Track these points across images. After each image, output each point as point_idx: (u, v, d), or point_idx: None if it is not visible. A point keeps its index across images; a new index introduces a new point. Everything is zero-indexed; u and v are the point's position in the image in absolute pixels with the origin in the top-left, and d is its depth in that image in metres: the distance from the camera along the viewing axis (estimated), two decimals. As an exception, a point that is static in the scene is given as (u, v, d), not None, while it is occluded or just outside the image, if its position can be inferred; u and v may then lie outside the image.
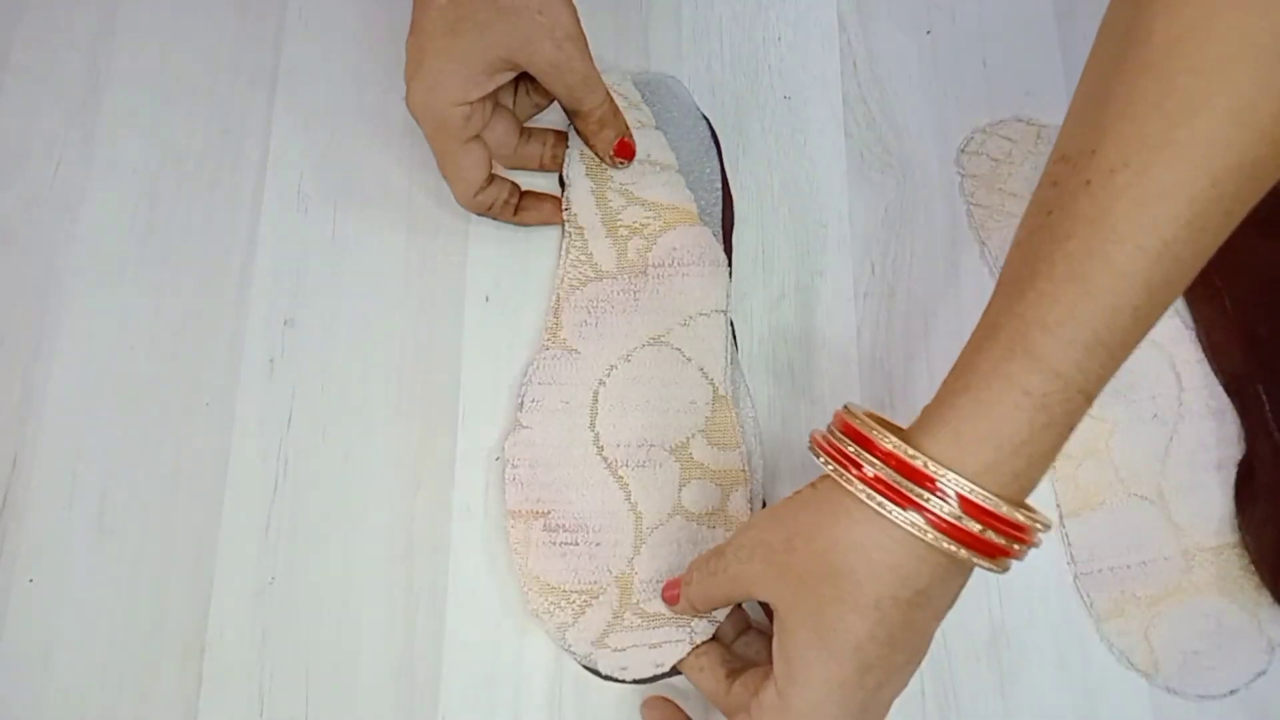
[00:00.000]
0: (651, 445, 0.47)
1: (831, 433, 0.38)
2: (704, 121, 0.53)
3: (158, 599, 0.46)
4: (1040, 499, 0.47)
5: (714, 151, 0.52)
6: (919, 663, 0.38)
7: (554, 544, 0.46)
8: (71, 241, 0.51)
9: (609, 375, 0.48)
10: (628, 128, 0.51)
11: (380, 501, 0.48)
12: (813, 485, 0.38)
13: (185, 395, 0.49)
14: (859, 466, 0.36)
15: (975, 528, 0.34)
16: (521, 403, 0.48)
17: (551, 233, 0.52)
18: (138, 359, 0.49)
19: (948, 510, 0.34)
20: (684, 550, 0.46)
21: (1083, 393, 0.34)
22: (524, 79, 0.50)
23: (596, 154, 0.51)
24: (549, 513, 0.47)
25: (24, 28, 0.55)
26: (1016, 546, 0.35)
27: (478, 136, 0.48)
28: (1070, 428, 0.35)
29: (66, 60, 0.54)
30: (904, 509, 0.35)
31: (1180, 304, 0.51)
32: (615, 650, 0.44)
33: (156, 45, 0.55)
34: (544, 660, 0.46)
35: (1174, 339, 0.51)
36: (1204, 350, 0.51)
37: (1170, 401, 0.50)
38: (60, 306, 0.50)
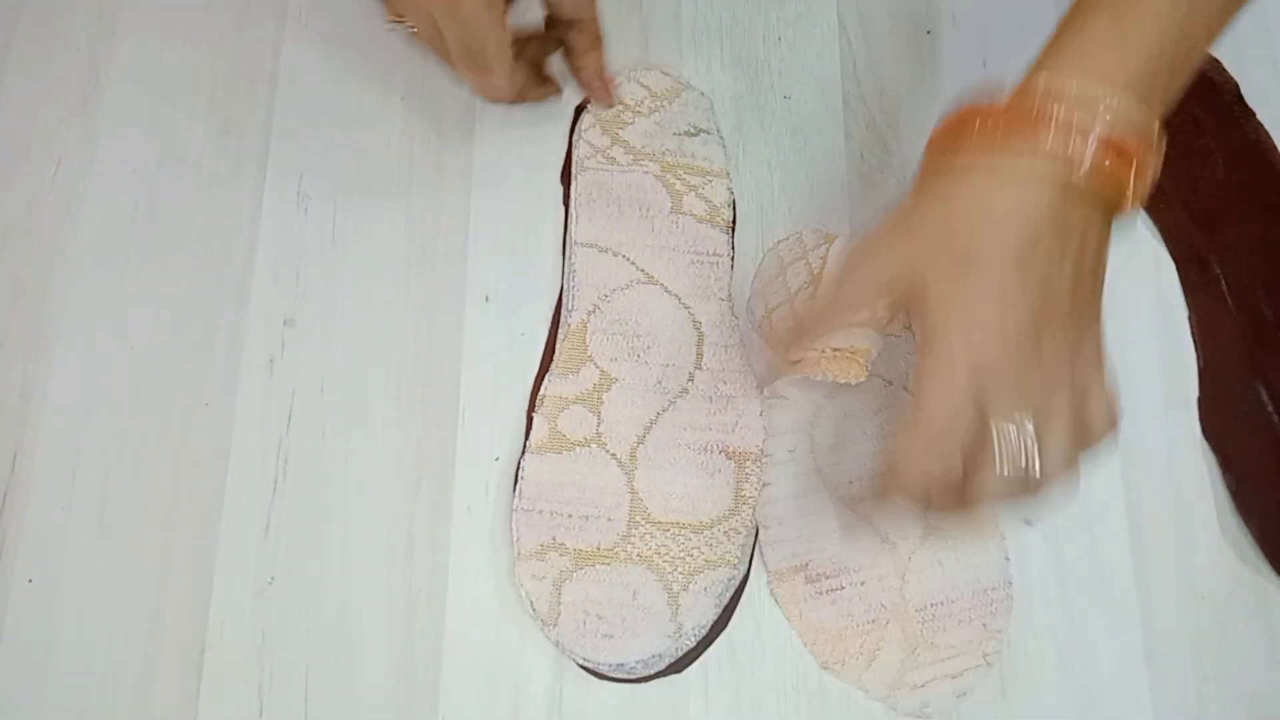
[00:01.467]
0: (879, 475, 0.47)
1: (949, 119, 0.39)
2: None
3: (157, 599, 0.46)
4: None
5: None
6: (1081, 321, 0.38)
7: (820, 593, 0.46)
8: (71, 241, 0.51)
9: (818, 415, 0.49)
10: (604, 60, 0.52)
11: (380, 501, 0.48)
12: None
13: (185, 395, 0.49)
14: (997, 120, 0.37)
15: (1111, 161, 0.36)
16: (762, 461, 0.48)
17: (552, 233, 0.52)
18: (137, 359, 0.49)
19: (1091, 144, 0.36)
20: (948, 568, 0.46)
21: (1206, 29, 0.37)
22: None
23: (580, 82, 0.52)
24: (807, 565, 0.47)
25: (24, 27, 0.55)
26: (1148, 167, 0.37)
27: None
28: (1199, 55, 0.38)
29: (66, 59, 0.54)
30: (1039, 156, 0.36)
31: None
32: (915, 687, 0.45)
33: (156, 45, 0.55)
34: (544, 660, 0.46)
35: (714, 320, 0.49)
36: (1192, 335, 0.51)
37: (680, 375, 0.48)
38: (60, 306, 0.50)
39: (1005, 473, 0.36)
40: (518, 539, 0.46)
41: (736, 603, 0.46)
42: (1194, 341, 0.51)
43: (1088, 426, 0.38)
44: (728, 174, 0.53)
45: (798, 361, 0.44)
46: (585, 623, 0.45)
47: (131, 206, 0.52)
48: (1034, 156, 0.36)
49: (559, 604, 0.45)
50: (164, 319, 0.50)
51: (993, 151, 0.37)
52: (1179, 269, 0.52)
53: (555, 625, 0.45)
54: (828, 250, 0.50)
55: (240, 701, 0.45)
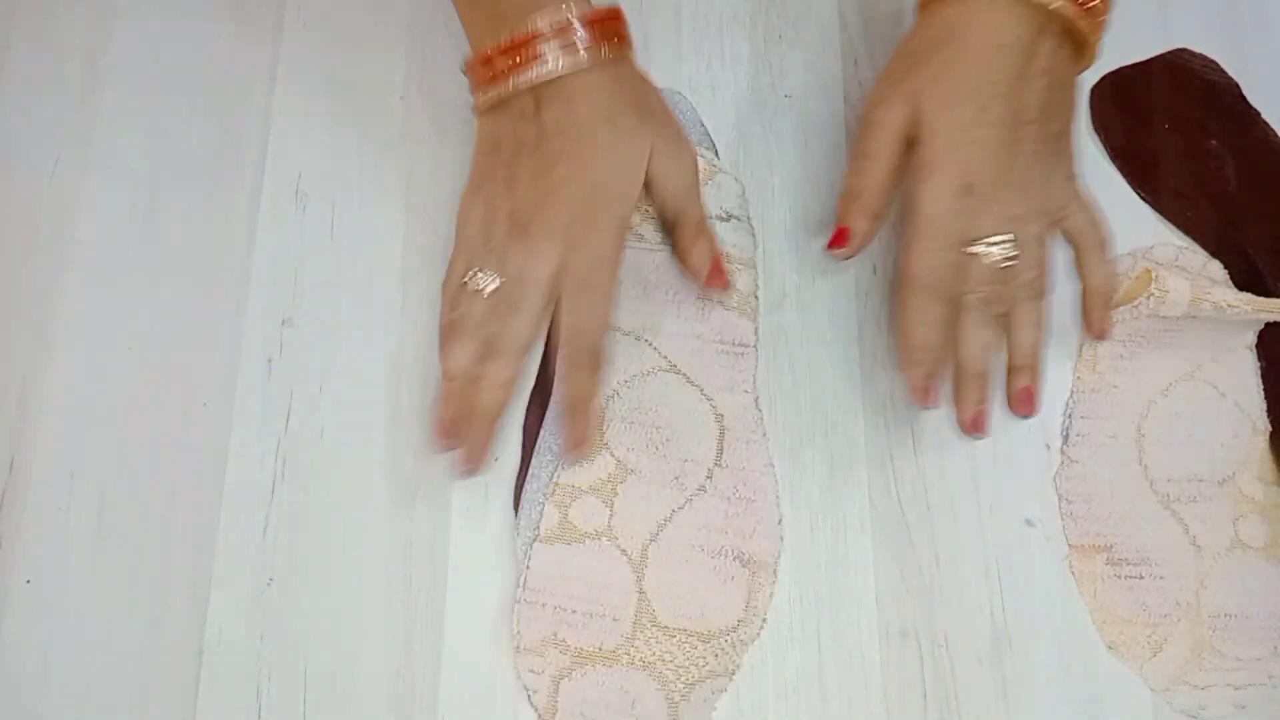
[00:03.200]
0: (1201, 480, 0.48)
1: None
2: (707, 137, 0.53)
3: (156, 600, 0.46)
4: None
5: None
6: (1046, 120, 0.45)
7: (1120, 578, 0.47)
8: (69, 241, 0.51)
9: (1150, 409, 0.49)
10: (719, 250, 0.50)
11: (380, 501, 0.48)
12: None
13: (183, 395, 0.49)
14: None
15: None
16: (1067, 436, 0.49)
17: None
18: (135, 359, 0.49)
19: None
20: (1248, 584, 0.46)
21: None
22: None
23: (690, 269, 0.49)
24: (1111, 547, 0.47)
25: (21, 26, 0.54)
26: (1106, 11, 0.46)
27: None
28: None
29: (64, 58, 0.54)
30: None
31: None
32: (1196, 688, 0.45)
33: (154, 44, 0.54)
34: (543, 661, 0.46)
35: (736, 413, 0.48)
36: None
37: (699, 471, 0.47)
38: (58, 306, 0.50)
39: (988, 265, 0.45)
40: (518, 631, 0.45)
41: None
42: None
43: (1078, 233, 0.49)
44: (755, 264, 0.51)
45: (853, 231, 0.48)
46: None
47: (129, 206, 0.52)
48: None
49: (555, 701, 0.44)
50: (162, 319, 0.50)
51: None
52: (1225, 264, 0.53)
53: None
54: None
55: (239, 702, 0.45)
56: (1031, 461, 0.49)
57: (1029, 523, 0.48)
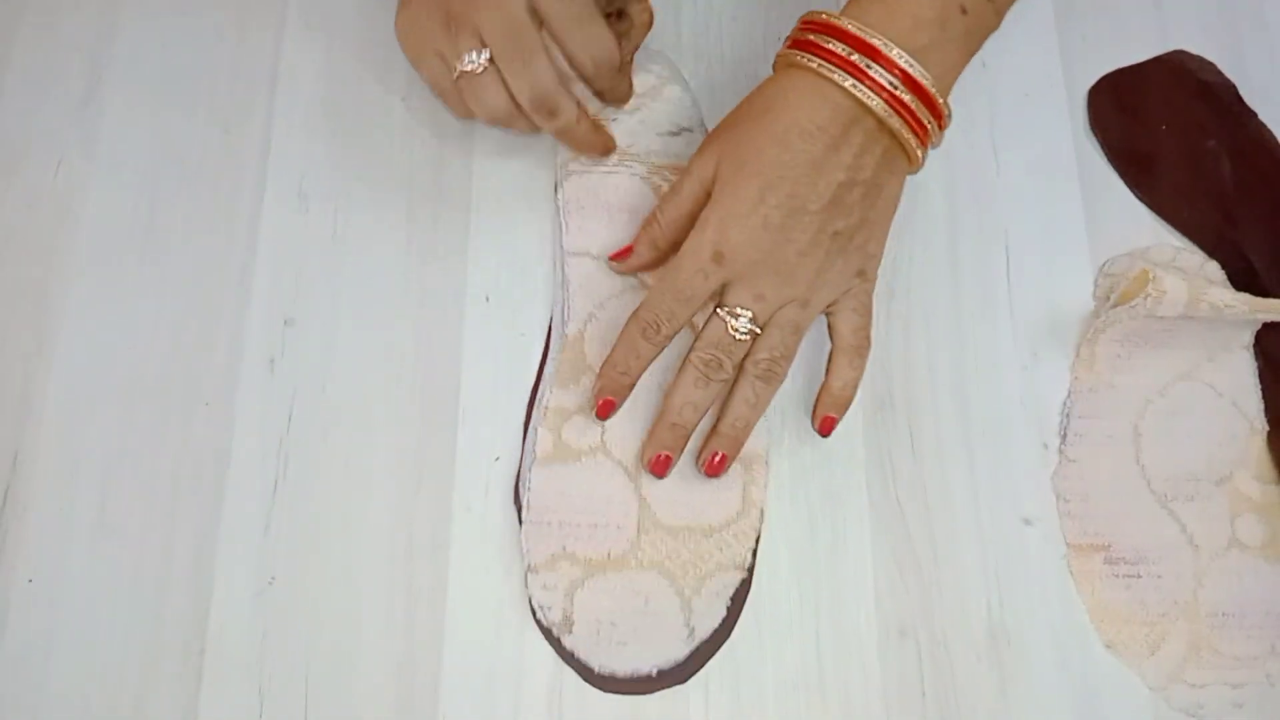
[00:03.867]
0: (1198, 479, 0.48)
1: (795, 32, 0.46)
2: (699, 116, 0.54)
3: (157, 599, 0.46)
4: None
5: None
6: (831, 215, 0.45)
7: (1117, 576, 0.47)
8: (72, 240, 0.51)
9: (1147, 408, 0.49)
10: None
11: (380, 501, 0.48)
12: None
13: (185, 395, 0.49)
14: (818, 46, 0.44)
15: (908, 99, 0.43)
16: (1064, 435, 0.49)
17: (551, 233, 0.52)
18: (137, 358, 0.49)
19: (887, 80, 0.43)
20: (1245, 583, 0.47)
21: (995, 8, 0.45)
22: None
23: (608, 98, 0.52)
24: (1109, 546, 0.47)
25: (24, 27, 0.55)
26: (932, 132, 0.45)
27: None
28: (980, 42, 0.46)
29: (67, 60, 0.54)
30: (848, 75, 0.43)
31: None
32: (1193, 686, 0.45)
33: (157, 45, 0.55)
34: (544, 660, 0.46)
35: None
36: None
37: None
38: (60, 306, 0.50)
39: (721, 332, 0.45)
40: (528, 550, 0.46)
41: (742, 605, 0.46)
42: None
43: (836, 333, 0.48)
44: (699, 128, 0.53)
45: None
46: (599, 631, 0.45)
47: (132, 206, 0.52)
48: (839, 71, 0.43)
49: (571, 612, 0.45)
50: (164, 318, 0.50)
51: (818, 61, 0.44)
52: (1222, 264, 0.53)
53: (570, 634, 0.45)
54: None
55: (240, 701, 0.45)
56: (1029, 461, 0.50)
57: (1027, 522, 0.49)
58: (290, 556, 0.47)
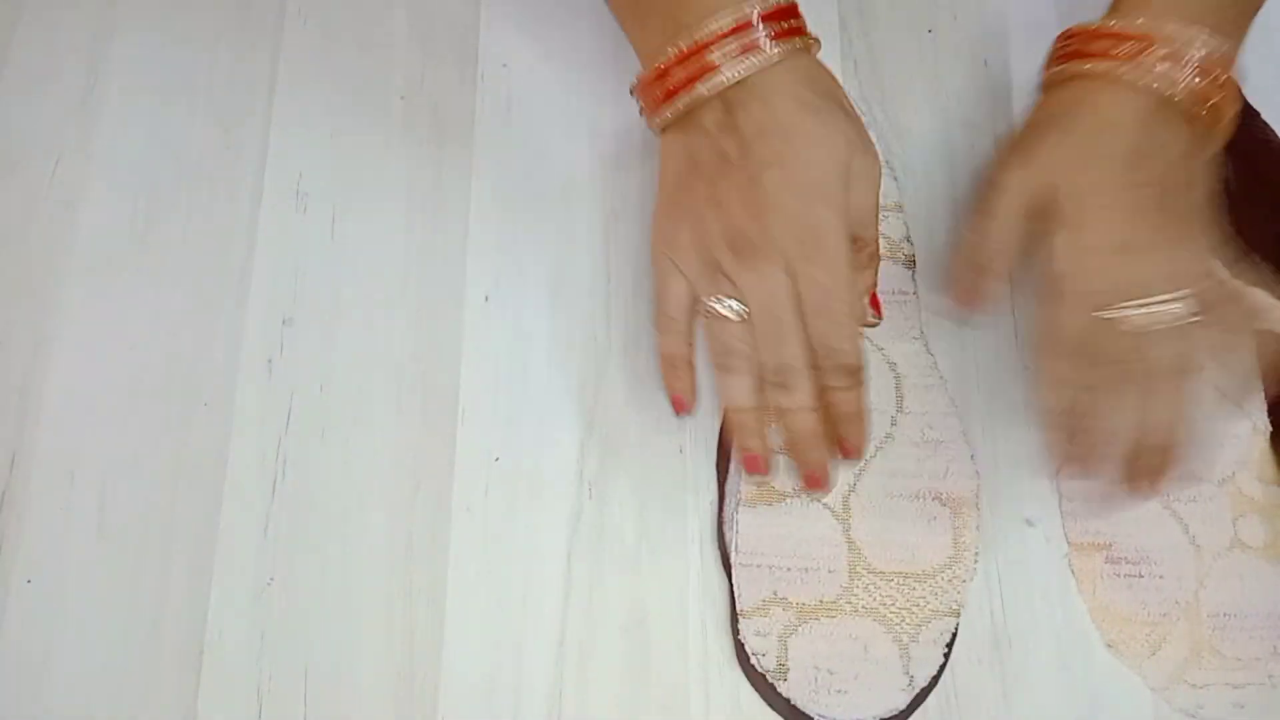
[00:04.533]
0: (1200, 479, 0.48)
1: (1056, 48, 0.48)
2: None
3: (156, 600, 0.46)
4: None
5: None
6: (1191, 197, 0.44)
7: (1119, 576, 0.47)
8: (70, 240, 0.51)
9: None
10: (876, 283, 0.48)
11: (380, 501, 0.48)
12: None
13: (183, 395, 0.49)
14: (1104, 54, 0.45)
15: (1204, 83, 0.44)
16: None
17: (551, 233, 0.52)
18: (136, 358, 0.49)
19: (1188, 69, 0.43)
20: (1247, 584, 0.46)
21: None
22: None
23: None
24: (1110, 545, 0.47)
25: (22, 27, 0.55)
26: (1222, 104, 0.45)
27: None
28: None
29: (65, 58, 0.54)
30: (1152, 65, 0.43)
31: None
32: (1194, 687, 0.45)
33: (155, 44, 0.55)
34: (544, 660, 0.46)
35: (909, 360, 0.49)
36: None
37: (882, 420, 0.48)
38: (58, 306, 0.50)
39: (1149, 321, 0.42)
40: (739, 594, 0.45)
41: (952, 649, 0.46)
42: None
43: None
44: (903, 208, 0.52)
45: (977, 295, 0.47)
46: (816, 679, 0.44)
47: (130, 205, 0.52)
48: (1140, 71, 0.43)
49: (785, 659, 0.45)
50: (162, 318, 0.50)
51: (1105, 64, 0.44)
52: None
53: (785, 680, 0.44)
54: None
55: (239, 702, 0.45)
56: (1032, 462, 0.49)
57: (1029, 522, 0.48)
58: (289, 557, 0.47)
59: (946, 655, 0.45)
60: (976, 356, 0.51)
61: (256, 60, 0.54)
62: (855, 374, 0.44)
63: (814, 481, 0.45)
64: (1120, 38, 0.44)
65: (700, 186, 0.45)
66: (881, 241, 0.50)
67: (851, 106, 0.46)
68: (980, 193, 0.47)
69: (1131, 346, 0.42)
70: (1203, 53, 0.43)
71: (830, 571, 0.46)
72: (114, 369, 0.49)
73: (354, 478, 0.48)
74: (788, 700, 0.44)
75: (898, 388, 0.49)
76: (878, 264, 0.47)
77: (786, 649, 0.45)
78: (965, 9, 0.57)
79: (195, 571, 0.46)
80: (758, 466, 0.45)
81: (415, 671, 0.45)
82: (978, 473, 0.48)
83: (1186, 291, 0.41)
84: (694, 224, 0.45)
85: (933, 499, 0.47)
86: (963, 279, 0.47)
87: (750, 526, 0.46)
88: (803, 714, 0.44)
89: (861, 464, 0.47)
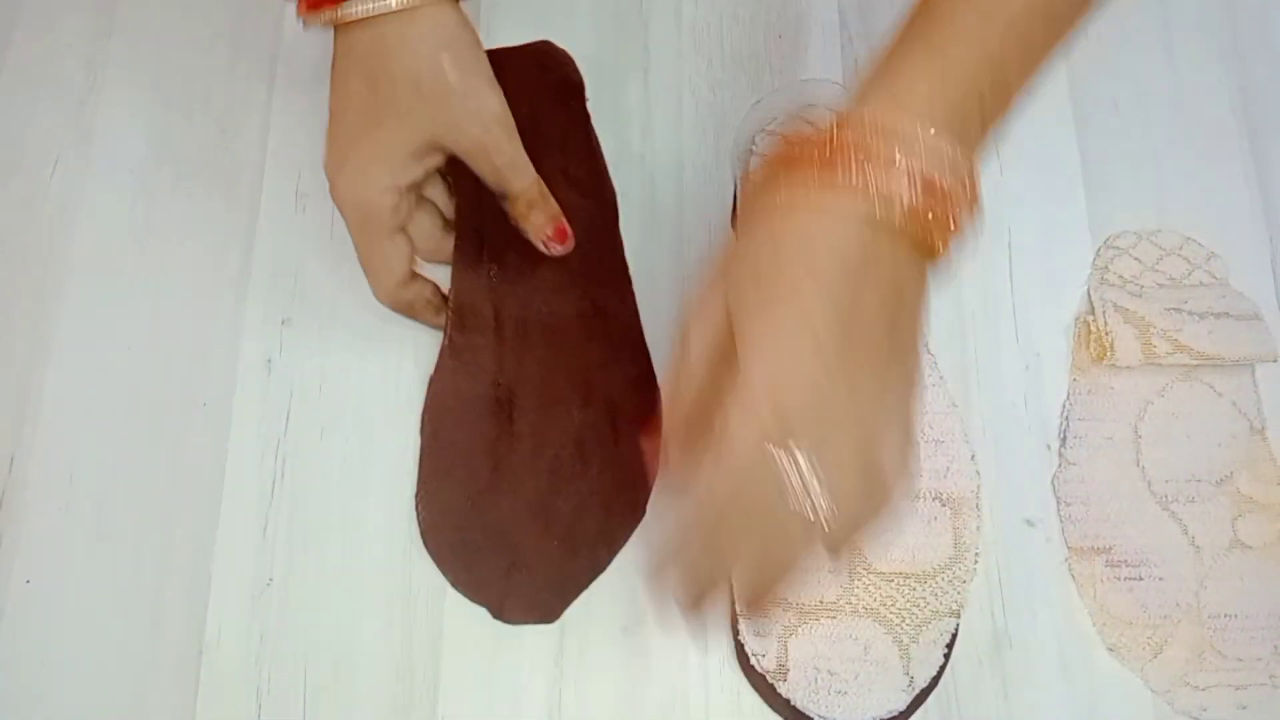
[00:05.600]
0: (1199, 480, 0.48)
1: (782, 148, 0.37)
2: None
3: (155, 600, 0.46)
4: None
5: None
6: (891, 363, 0.36)
7: (1119, 579, 0.47)
8: (69, 241, 0.51)
9: (1146, 410, 0.49)
10: (559, 211, 0.48)
11: (379, 501, 0.47)
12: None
13: (182, 395, 0.49)
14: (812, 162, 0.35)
15: (936, 192, 0.35)
16: (1064, 438, 0.49)
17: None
18: (135, 359, 0.49)
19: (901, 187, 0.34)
20: (1248, 584, 0.46)
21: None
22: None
23: (530, 238, 0.48)
24: (1110, 548, 0.47)
25: (21, 28, 0.55)
26: (956, 223, 0.35)
27: (402, 229, 0.47)
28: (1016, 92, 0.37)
29: (64, 60, 0.54)
30: (847, 180, 0.35)
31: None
32: (1197, 689, 0.45)
33: (154, 45, 0.55)
34: (543, 660, 0.46)
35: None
36: None
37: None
38: (57, 307, 0.50)
39: (793, 508, 0.34)
40: (738, 595, 0.45)
41: (952, 650, 0.46)
42: None
43: (878, 472, 0.36)
44: None
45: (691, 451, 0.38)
46: (816, 679, 0.44)
47: (129, 207, 0.52)
48: (848, 192, 0.35)
49: (785, 659, 0.44)
50: (162, 319, 0.50)
51: (808, 187, 0.35)
52: None
53: (785, 681, 0.44)
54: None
55: (238, 703, 0.45)
56: (1031, 461, 0.49)
57: (1029, 523, 0.48)
58: (288, 557, 0.46)
59: (947, 656, 0.45)
60: (977, 356, 0.51)
61: (255, 61, 0.54)
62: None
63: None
64: (828, 151, 0.35)
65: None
66: None
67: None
68: (686, 314, 0.39)
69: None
70: (923, 158, 0.35)
71: (830, 572, 0.46)
72: (113, 369, 0.49)
73: (352, 478, 0.48)
74: (787, 701, 0.44)
75: None
76: (543, 203, 0.48)
77: (786, 649, 0.45)
78: (965, 8, 0.57)
79: (194, 572, 0.46)
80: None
81: (414, 672, 0.45)
82: (978, 472, 0.48)
83: (818, 448, 0.35)
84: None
85: (933, 499, 0.47)
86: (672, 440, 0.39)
87: None
88: (802, 714, 0.44)
89: None
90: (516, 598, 0.46)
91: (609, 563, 0.46)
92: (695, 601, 0.38)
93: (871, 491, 0.35)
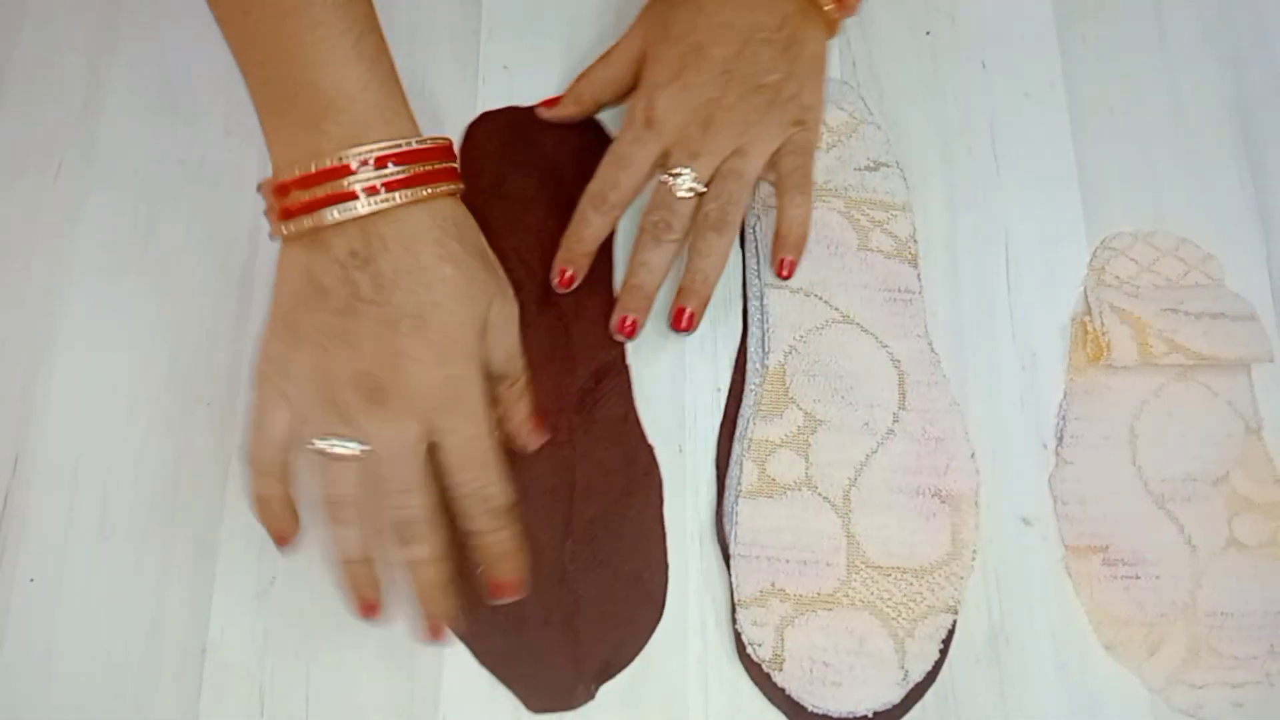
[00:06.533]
0: (1195, 479, 0.48)
1: None
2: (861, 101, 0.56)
3: (159, 599, 0.46)
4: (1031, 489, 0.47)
5: None
6: (766, 80, 0.49)
7: (1116, 578, 0.47)
8: (73, 244, 0.51)
9: (1143, 409, 0.49)
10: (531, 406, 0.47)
11: (380, 502, 0.48)
12: None
13: (186, 395, 0.49)
14: None
15: None
16: (1061, 437, 0.49)
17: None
18: (139, 360, 0.49)
19: None
20: (1244, 583, 0.47)
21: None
22: None
23: (508, 424, 0.47)
24: (1107, 547, 0.47)
25: (25, 33, 0.55)
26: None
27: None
28: None
29: (67, 62, 0.54)
30: None
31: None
32: (1193, 687, 0.45)
33: (157, 49, 0.55)
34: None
35: (913, 358, 0.49)
36: None
37: (885, 416, 0.48)
38: (62, 309, 0.50)
39: (667, 193, 0.48)
40: (737, 584, 0.46)
41: (949, 646, 0.46)
42: None
43: (780, 174, 0.50)
44: (910, 208, 0.52)
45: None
46: (812, 670, 0.45)
47: (133, 209, 0.52)
48: None
49: (782, 650, 0.45)
50: (165, 320, 0.50)
51: None
52: None
53: (780, 671, 0.45)
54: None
55: (241, 702, 0.45)
56: (1028, 459, 0.49)
57: (1026, 521, 0.49)
58: (291, 557, 0.46)
59: (943, 652, 0.45)
60: (974, 356, 0.51)
61: (258, 62, 0.54)
62: (507, 513, 0.43)
63: (436, 632, 0.43)
64: None
65: (325, 316, 0.41)
66: (888, 240, 0.51)
67: (490, 253, 0.45)
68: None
69: (653, 206, 0.50)
70: None
71: (829, 565, 0.46)
72: (117, 370, 0.49)
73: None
74: (782, 690, 0.44)
75: (901, 384, 0.49)
76: (529, 395, 0.47)
77: (783, 640, 0.45)
78: (964, 10, 0.57)
79: (197, 571, 0.46)
80: (374, 612, 0.43)
81: (416, 671, 0.45)
82: (978, 470, 0.48)
83: (689, 170, 0.48)
84: (316, 356, 0.41)
85: (932, 495, 0.47)
86: (565, 100, 0.53)
87: (749, 518, 0.47)
88: (797, 704, 0.44)
89: (863, 459, 0.47)
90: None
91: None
92: (572, 262, 0.50)
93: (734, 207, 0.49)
